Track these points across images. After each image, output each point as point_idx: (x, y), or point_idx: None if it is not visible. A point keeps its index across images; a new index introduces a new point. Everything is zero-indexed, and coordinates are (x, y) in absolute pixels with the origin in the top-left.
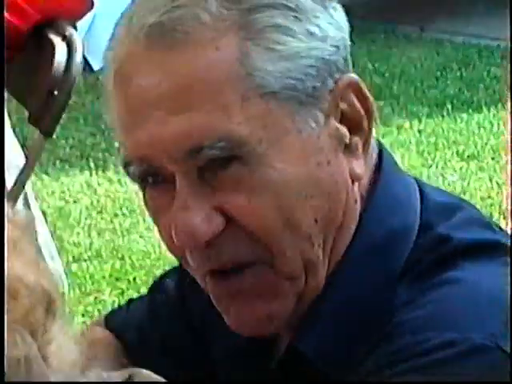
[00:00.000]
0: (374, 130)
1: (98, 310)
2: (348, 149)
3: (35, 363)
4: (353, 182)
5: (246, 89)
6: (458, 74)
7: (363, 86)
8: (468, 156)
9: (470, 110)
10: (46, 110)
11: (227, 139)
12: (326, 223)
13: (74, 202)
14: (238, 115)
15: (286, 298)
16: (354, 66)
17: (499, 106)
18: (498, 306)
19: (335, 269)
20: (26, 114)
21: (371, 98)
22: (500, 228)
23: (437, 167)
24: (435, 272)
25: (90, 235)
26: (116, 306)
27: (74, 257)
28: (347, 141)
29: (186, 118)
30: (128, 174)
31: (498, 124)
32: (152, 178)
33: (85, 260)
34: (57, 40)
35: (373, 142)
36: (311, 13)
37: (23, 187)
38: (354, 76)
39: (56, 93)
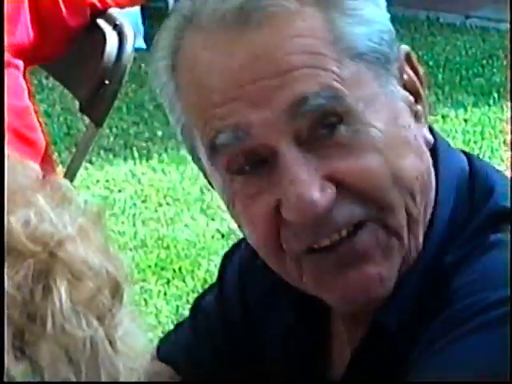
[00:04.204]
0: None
1: (144, 300)
2: (416, 117)
3: (101, 346)
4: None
5: (337, 52)
6: (505, 61)
7: (414, 56)
8: None
9: None
10: (98, 99)
11: (329, 88)
12: (423, 181)
13: (119, 191)
14: (335, 75)
15: (395, 259)
16: None
17: None
18: None
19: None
20: (71, 103)
21: (422, 68)
22: None
23: (483, 157)
24: (481, 234)
25: (134, 224)
26: (162, 295)
27: (119, 246)
28: (414, 108)
29: (288, 76)
30: (214, 150)
31: None
32: (249, 164)
33: (130, 249)
34: (108, 29)
35: None
36: None
37: (74, 176)
38: (407, 47)
39: (107, 82)
